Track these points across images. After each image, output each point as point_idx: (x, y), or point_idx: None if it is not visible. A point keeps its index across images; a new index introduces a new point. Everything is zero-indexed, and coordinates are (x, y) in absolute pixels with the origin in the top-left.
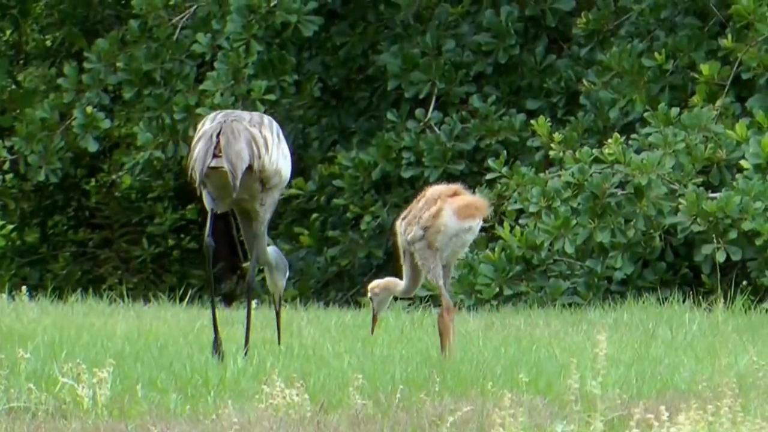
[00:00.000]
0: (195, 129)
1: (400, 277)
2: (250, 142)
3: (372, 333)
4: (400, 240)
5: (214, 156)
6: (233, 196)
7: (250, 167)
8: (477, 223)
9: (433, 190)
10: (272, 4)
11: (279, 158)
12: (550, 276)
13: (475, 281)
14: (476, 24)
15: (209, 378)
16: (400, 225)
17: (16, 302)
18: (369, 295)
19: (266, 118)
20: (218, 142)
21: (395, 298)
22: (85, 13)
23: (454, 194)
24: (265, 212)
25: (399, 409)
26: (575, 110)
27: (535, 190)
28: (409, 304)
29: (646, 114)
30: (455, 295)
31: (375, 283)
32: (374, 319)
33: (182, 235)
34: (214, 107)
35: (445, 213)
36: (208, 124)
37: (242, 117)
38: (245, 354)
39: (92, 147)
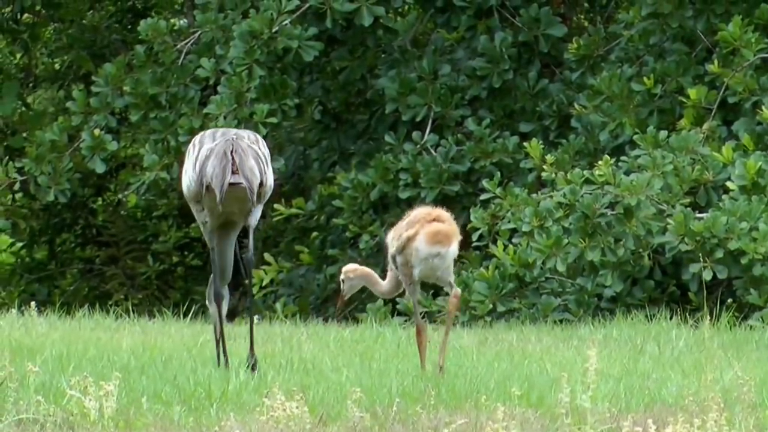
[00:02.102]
0: None
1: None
2: (257, 159)
3: (337, 314)
4: (388, 250)
5: (232, 173)
6: (246, 208)
7: (260, 183)
8: (445, 250)
9: (417, 212)
10: (274, 30)
11: (270, 174)
12: (542, 293)
13: (469, 298)
14: (471, 49)
15: (212, 391)
16: (388, 237)
17: (25, 317)
18: (342, 276)
19: (257, 135)
20: (233, 160)
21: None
22: (93, 38)
23: (433, 219)
24: (255, 222)
25: (395, 421)
26: (567, 133)
27: (528, 210)
28: (406, 320)
29: (635, 137)
30: None
31: (351, 267)
32: (342, 300)
33: (186, 253)
34: None
35: (419, 238)
36: (209, 142)
37: (241, 134)
38: (252, 367)
39: (99, 168)
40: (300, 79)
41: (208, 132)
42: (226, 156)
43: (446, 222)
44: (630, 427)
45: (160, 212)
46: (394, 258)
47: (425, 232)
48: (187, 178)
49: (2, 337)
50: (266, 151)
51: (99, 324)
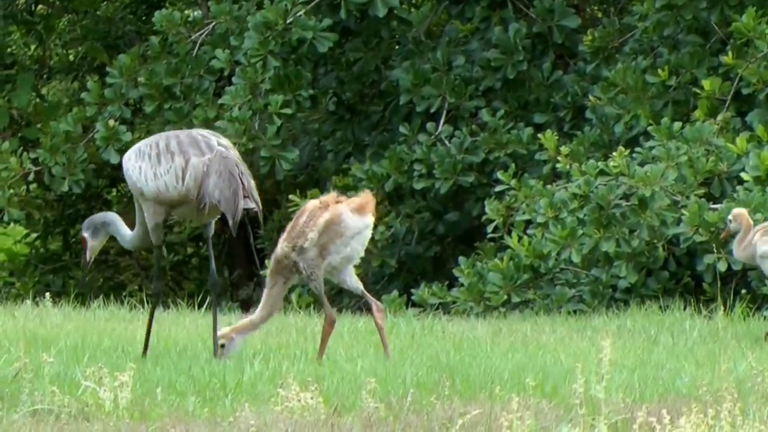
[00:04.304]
0: None
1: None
2: (250, 175)
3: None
4: (276, 259)
5: (244, 197)
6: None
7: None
8: (372, 220)
9: (312, 204)
10: (288, 21)
11: None
12: (557, 284)
13: (484, 289)
14: (485, 40)
15: (226, 381)
16: (282, 245)
17: (40, 308)
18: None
19: (219, 135)
20: (242, 183)
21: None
22: (107, 29)
23: (336, 202)
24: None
25: (410, 412)
26: (581, 124)
27: (543, 202)
28: (421, 311)
29: (649, 128)
30: (464, 302)
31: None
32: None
33: (200, 244)
34: (232, 121)
35: (344, 215)
36: (192, 152)
37: (222, 143)
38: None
39: (114, 159)
40: (314, 70)
41: (171, 134)
42: (235, 178)
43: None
44: (644, 417)
45: None
46: (294, 263)
47: (351, 207)
48: (162, 183)
49: (17, 328)
50: (228, 143)
51: (113, 315)
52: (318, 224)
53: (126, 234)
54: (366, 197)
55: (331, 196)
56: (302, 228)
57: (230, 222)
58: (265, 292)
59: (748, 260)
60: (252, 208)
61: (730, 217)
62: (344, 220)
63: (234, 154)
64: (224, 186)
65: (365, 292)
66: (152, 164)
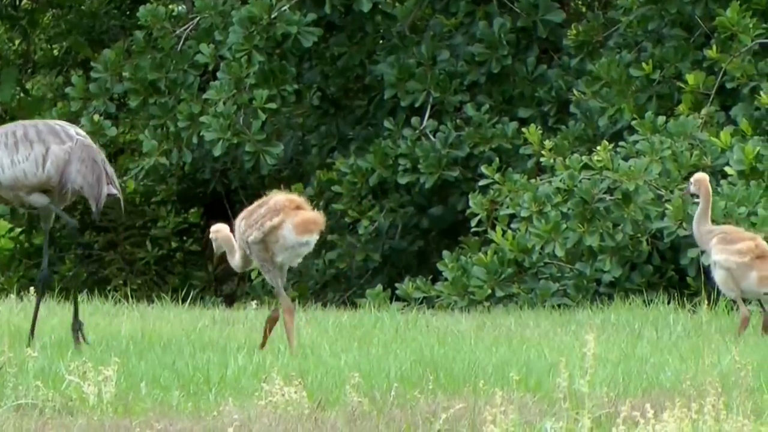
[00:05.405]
0: (199, 136)
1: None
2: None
3: (213, 262)
4: (238, 235)
5: (107, 183)
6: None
7: None
8: (314, 238)
9: (276, 200)
10: (273, 16)
11: None
12: (541, 278)
13: (468, 283)
14: (470, 35)
15: (210, 376)
16: (240, 223)
17: (24, 303)
18: (210, 234)
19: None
20: (106, 170)
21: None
22: (92, 23)
23: (297, 208)
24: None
25: (394, 406)
26: (565, 119)
27: (527, 196)
28: (405, 306)
29: (633, 122)
30: (448, 296)
31: (216, 228)
32: (215, 256)
33: (185, 238)
34: (216, 116)
35: (286, 227)
36: (54, 144)
37: (84, 135)
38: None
39: None
40: (299, 64)
41: (28, 123)
42: (98, 165)
43: (309, 210)
44: (628, 411)
45: (158, 198)
46: (248, 245)
47: (295, 222)
48: (20, 170)
49: (1, 323)
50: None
51: (98, 309)
52: (264, 226)
53: None
54: (314, 217)
55: (296, 199)
56: (256, 220)
57: (94, 207)
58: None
59: (700, 245)
60: (114, 193)
61: (692, 180)
62: (284, 234)
63: (93, 143)
64: (87, 172)
65: (284, 292)
66: (9, 152)
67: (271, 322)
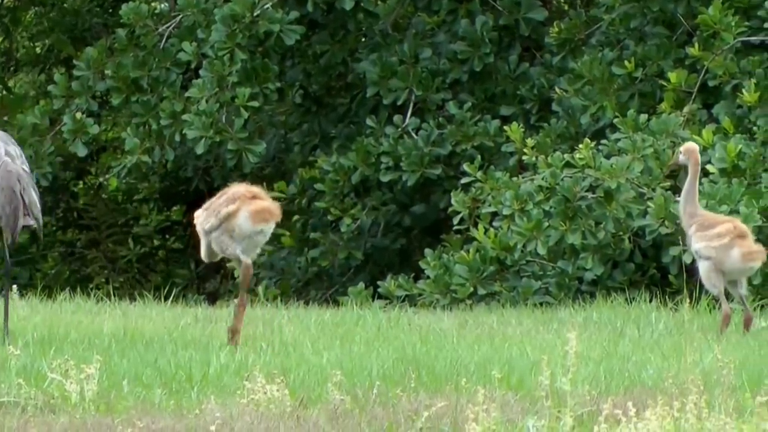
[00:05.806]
0: (181, 134)
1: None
2: (34, 186)
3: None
4: (198, 227)
5: (25, 215)
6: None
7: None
8: (269, 227)
9: (235, 190)
10: (255, 14)
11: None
12: (523, 276)
13: (450, 281)
14: (452, 33)
15: (193, 374)
16: (199, 215)
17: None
18: (195, 220)
19: (8, 135)
20: (23, 200)
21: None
22: (74, 21)
23: (253, 197)
24: None
25: (376, 404)
26: (548, 116)
27: (509, 194)
28: (387, 303)
29: (615, 120)
30: (430, 294)
31: (197, 213)
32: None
33: (167, 236)
34: (199, 114)
35: (241, 215)
36: None
37: (13, 155)
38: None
39: (81, 151)
40: (281, 62)
41: None
42: (16, 196)
43: (266, 199)
44: (610, 409)
45: (141, 196)
46: (207, 233)
47: (249, 210)
48: None
49: None
50: (20, 149)
51: (80, 307)
52: (221, 214)
53: None
54: (269, 206)
55: (254, 189)
56: (214, 209)
57: (9, 239)
58: None
59: (682, 225)
60: (31, 225)
61: (681, 149)
62: (239, 223)
63: (18, 165)
64: (5, 202)
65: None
66: None
67: (240, 308)
